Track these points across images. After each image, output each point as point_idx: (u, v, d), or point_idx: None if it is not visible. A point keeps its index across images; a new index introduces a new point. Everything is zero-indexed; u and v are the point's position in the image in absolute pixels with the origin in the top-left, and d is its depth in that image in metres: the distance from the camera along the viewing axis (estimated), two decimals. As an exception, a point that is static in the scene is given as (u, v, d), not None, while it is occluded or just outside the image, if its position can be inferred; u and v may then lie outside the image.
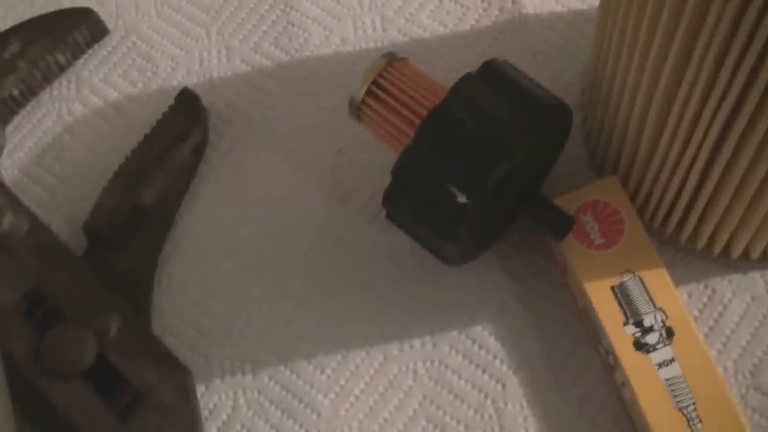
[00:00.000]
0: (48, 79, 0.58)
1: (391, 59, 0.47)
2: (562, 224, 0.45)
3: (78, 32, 0.58)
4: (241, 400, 0.50)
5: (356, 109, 0.48)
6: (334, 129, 0.55)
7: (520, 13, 0.57)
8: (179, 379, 0.49)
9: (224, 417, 0.50)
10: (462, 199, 0.42)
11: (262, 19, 0.59)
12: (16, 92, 0.57)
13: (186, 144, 0.54)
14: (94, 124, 0.58)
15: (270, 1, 0.60)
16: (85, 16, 0.58)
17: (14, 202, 0.53)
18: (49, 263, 0.51)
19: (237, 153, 0.56)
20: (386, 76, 0.47)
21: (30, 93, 0.58)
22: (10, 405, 0.50)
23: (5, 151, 0.57)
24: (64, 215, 0.55)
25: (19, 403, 0.49)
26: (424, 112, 0.45)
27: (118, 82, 0.59)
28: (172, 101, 0.57)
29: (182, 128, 0.55)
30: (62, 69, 0.59)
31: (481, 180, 0.42)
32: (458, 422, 0.48)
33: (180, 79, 0.59)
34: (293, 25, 0.59)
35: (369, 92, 0.47)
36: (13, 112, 0.58)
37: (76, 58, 0.59)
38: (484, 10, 0.57)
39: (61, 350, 0.49)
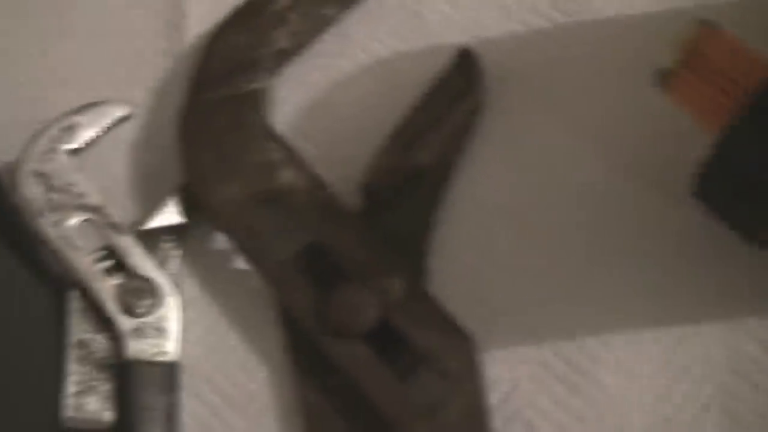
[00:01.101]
0: (317, 32, 0.55)
1: (707, 26, 0.43)
2: None
3: None
4: (523, 373, 0.48)
5: (665, 79, 0.44)
6: (618, 95, 0.52)
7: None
8: (464, 347, 0.46)
9: (505, 389, 0.48)
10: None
11: (540, -26, 0.54)
12: (287, 45, 0.54)
13: (464, 105, 0.52)
14: (361, 80, 0.56)
15: (547, -48, 0.54)
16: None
17: (293, 158, 0.51)
18: (328, 219, 0.49)
19: (514, 116, 0.53)
20: (704, 45, 0.43)
21: (299, 46, 0.55)
22: (288, 358, 0.49)
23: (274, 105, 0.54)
24: (336, 172, 0.53)
25: (298, 358, 0.49)
26: (749, 88, 0.42)
27: (385, 38, 0.56)
28: (443, 59, 0.53)
29: (461, 89, 0.52)
30: (331, 22, 0.56)
31: None
32: (758, 416, 0.45)
33: (452, 37, 0.55)
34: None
35: (683, 61, 0.44)
36: (281, 66, 0.55)
37: (345, 8, 0.56)
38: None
39: (345, 311, 0.47)
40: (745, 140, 0.41)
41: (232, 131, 0.52)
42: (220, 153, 0.52)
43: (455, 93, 0.52)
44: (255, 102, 0.53)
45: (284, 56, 0.55)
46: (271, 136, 0.52)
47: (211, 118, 0.53)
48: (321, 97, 0.56)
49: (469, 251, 0.50)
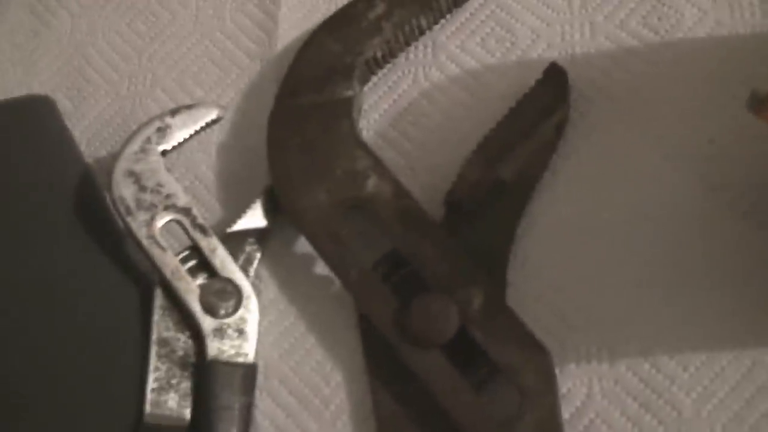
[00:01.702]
0: (408, 43, 0.55)
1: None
2: None
3: None
4: (596, 388, 0.47)
5: (759, 103, 0.42)
6: (706, 116, 0.50)
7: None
8: (541, 362, 0.46)
9: (578, 403, 0.47)
10: None
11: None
12: (378, 54, 0.54)
13: (550, 120, 0.51)
14: (450, 90, 0.55)
15: (639, -23, 0.53)
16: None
17: (378, 166, 0.51)
18: (411, 228, 0.49)
19: (599, 133, 0.52)
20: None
21: (391, 55, 0.55)
22: (364, 364, 0.49)
23: (362, 112, 0.55)
24: (420, 182, 0.53)
25: (374, 364, 0.48)
26: None
27: (475, 50, 0.56)
28: (531, 73, 0.53)
29: (548, 104, 0.51)
30: (422, 33, 0.56)
31: None
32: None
33: (540, 52, 0.55)
34: (663, 4, 0.54)
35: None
36: (372, 73, 0.55)
37: (436, 22, 0.56)
38: None
39: (427, 320, 0.46)
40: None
41: (320, 138, 0.52)
42: (308, 159, 0.52)
43: (542, 108, 0.51)
44: (345, 110, 0.53)
45: (376, 65, 0.55)
46: (359, 144, 0.52)
47: (301, 124, 0.53)
48: (408, 106, 0.56)
49: (550, 266, 0.50)
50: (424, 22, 0.55)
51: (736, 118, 0.48)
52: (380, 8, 0.55)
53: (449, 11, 0.56)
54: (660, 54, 0.53)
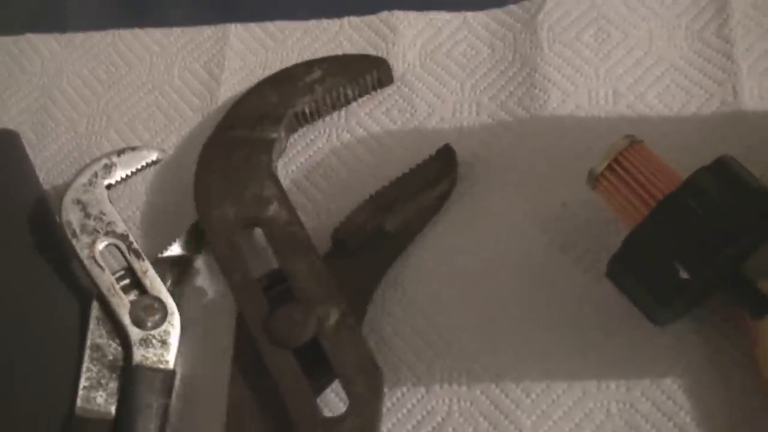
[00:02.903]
0: (334, 107, 0.61)
1: (633, 141, 0.47)
2: (763, 305, 0.44)
3: (370, 75, 0.60)
4: (455, 407, 0.51)
5: (594, 179, 0.48)
6: (562, 184, 0.55)
7: (739, 108, 0.56)
8: (372, 376, 0.49)
9: (439, 419, 0.51)
10: (684, 275, 0.43)
11: (509, 81, 0.61)
12: (307, 110, 0.59)
13: (435, 190, 0.56)
14: (356, 151, 0.60)
15: (518, 65, 0.61)
16: (379, 63, 0.61)
17: (282, 196, 0.55)
18: (295, 251, 0.53)
19: (475, 194, 0.57)
20: (627, 156, 0.47)
21: (317, 114, 0.60)
22: (234, 356, 0.52)
23: (282, 162, 0.60)
24: (322, 222, 0.57)
25: (240, 356, 0.52)
26: (659, 195, 0.46)
27: (381, 119, 0.61)
28: (424, 141, 0.58)
29: (435, 177, 0.56)
30: (347, 102, 0.61)
31: (704, 261, 0.43)
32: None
33: (434, 123, 0.60)
34: (536, 88, 0.60)
35: (609, 167, 0.48)
36: (299, 126, 0.61)
37: (360, 96, 0.61)
38: (707, 99, 0.57)
39: (287, 324, 0.50)
40: (648, 241, 0.45)
41: (241, 165, 0.57)
42: (226, 180, 0.57)
43: (429, 179, 0.56)
44: (267, 148, 0.58)
45: (303, 118, 0.60)
46: (271, 176, 0.57)
47: (228, 152, 0.58)
48: (321, 161, 0.61)
49: (423, 301, 0.54)
50: (350, 93, 0.61)
51: (585, 187, 0.53)
52: (317, 74, 0.60)
53: (374, 89, 0.62)
54: (529, 128, 0.58)
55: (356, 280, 0.53)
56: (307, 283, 0.52)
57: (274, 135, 0.59)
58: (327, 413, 0.50)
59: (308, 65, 0.61)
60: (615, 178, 0.48)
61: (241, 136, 0.58)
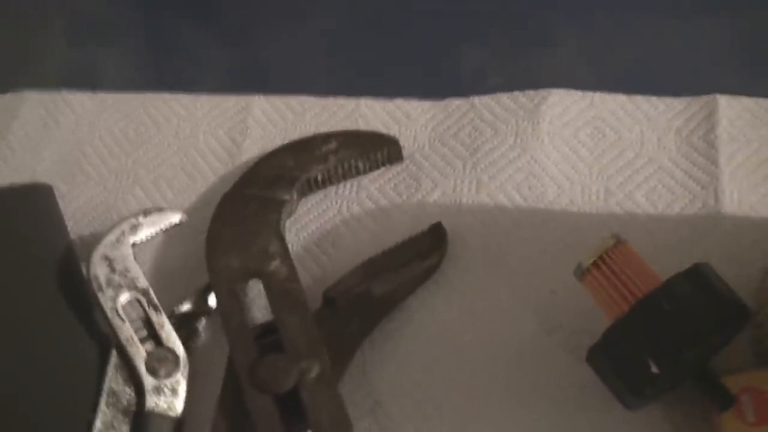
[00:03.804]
0: (344, 176, 0.64)
1: (618, 241, 0.51)
2: (726, 400, 0.49)
3: (381, 152, 0.64)
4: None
5: (581, 273, 0.52)
6: (552, 273, 0.58)
7: (718, 212, 0.59)
8: (344, 430, 0.52)
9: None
10: (655, 369, 0.47)
11: (509, 164, 0.64)
12: (319, 177, 0.63)
13: (423, 263, 0.59)
14: (364, 221, 0.64)
15: (518, 150, 0.64)
16: (391, 143, 0.65)
17: (285, 254, 0.59)
18: (288, 305, 0.56)
19: (466, 271, 0.60)
20: (612, 255, 0.51)
21: (328, 182, 0.64)
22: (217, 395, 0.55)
23: (294, 228, 0.64)
24: (324, 284, 0.60)
25: (224, 399, 0.55)
26: (639, 294, 0.49)
27: (389, 193, 0.65)
28: (426, 214, 0.62)
29: (424, 251, 0.60)
30: (357, 173, 0.65)
31: (673, 358, 0.47)
32: None
33: (436, 197, 0.63)
34: (534, 177, 0.63)
35: (595, 264, 0.51)
36: (310, 191, 0.64)
37: (371, 170, 0.65)
38: (690, 201, 0.60)
39: (271, 372, 0.54)
40: (624, 335, 0.49)
41: (252, 221, 0.61)
42: (236, 233, 0.60)
43: (421, 251, 0.60)
44: (278, 208, 0.62)
45: (315, 184, 0.64)
46: (278, 234, 0.60)
47: (242, 208, 0.62)
48: (331, 229, 0.64)
49: (411, 363, 0.57)
50: (361, 166, 0.64)
51: (572, 277, 0.55)
52: (333, 145, 0.64)
53: (384, 164, 0.66)
54: (525, 216, 0.61)
55: (341, 337, 0.56)
56: (295, 336, 0.55)
57: (287, 197, 0.62)
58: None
59: (326, 136, 0.65)
60: (600, 274, 0.52)
61: (256, 194, 0.62)
